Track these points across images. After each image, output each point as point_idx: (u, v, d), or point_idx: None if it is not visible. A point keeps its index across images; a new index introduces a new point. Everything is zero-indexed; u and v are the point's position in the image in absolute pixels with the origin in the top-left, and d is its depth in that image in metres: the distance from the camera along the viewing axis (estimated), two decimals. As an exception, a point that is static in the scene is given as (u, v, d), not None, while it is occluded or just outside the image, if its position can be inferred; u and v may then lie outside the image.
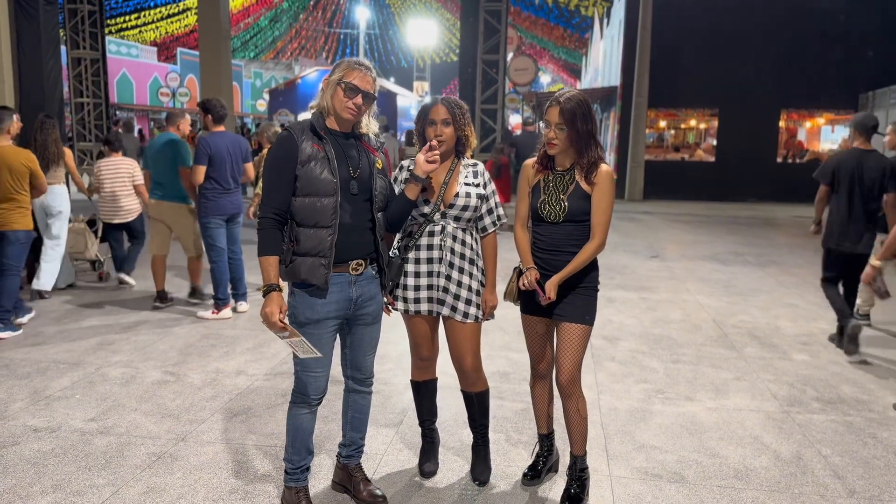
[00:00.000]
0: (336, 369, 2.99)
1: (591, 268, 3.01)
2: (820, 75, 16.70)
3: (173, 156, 6.05)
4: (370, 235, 2.81)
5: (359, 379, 3.02)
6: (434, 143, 2.87)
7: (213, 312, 5.96)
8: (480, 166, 3.13)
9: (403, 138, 16.79)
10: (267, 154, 2.78)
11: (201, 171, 5.67)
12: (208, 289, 6.49)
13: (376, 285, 2.91)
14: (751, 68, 16.79)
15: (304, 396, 2.84)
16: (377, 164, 2.83)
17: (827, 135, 17.90)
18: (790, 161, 17.72)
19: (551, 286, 2.91)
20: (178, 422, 3.85)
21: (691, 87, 17.18)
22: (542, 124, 3.00)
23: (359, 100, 2.71)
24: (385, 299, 3.09)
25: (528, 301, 3.09)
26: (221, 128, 5.89)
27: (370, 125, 2.88)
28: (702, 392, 4.46)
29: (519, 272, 3.07)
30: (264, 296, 2.63)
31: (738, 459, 3.53)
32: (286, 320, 2.63)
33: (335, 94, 2.71)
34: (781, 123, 17.46)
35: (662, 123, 18.26)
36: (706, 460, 3.52)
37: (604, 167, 2.92)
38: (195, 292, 6.55)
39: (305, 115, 2.87)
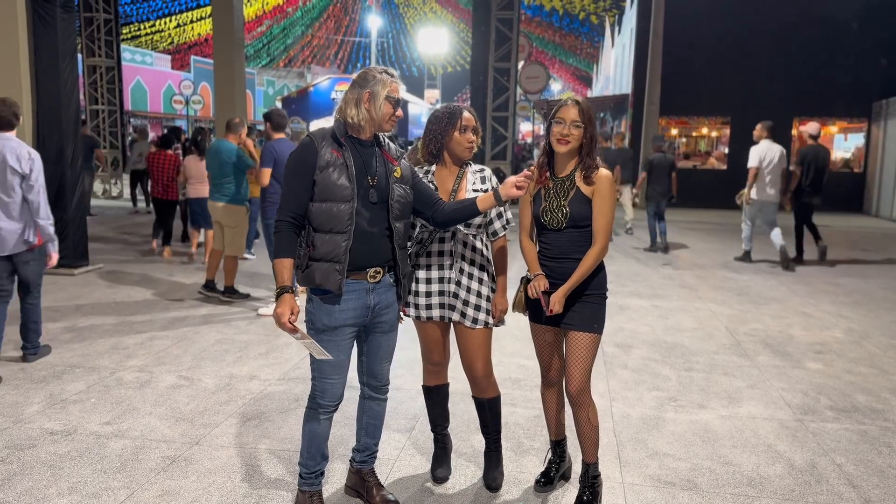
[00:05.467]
0: (352, 375, 3.01)
1: (597, 273, 3.00)
2: (833, 83, 16.65)
3: (237, 161, 6.62)
4: (388, 243, 2.82)
5: (374, 386, 3.03)
6: (530, 172, 2.85)
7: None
8: (487, 171, 3.15)
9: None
10: (288, 159, 2.81)
11: (266, 173, 6.16)
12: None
13: (394, 293, 2.92)
14: (763, 76, 16.76)
15: (321, 402, 2.85)
16: (396, 173, 2.84)
17: (840, 143, 17.80)
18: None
19: (556, 299, 2.91)
20: (192, 426, 3.88)
21: (703, 95, 17.16)
22: (552, 122, 2.99)
23: (400, 111, 2.81)
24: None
25: (536, 310, 3.09)
26: (282, 135, 6.38)
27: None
28: (715, 400, 4.44)
29: (526, 281, 3.07)
30: (277, 298, 2.65)
31: (752, 467, 3.52)
32: (297, 322, 2.65)
33: (385, 109, 2.75)
34: (794, 132, 17.40)
35: (674, 131, 18.24)
36: (719, 468, 3.51)
37: (603, 171, 2.93)
38: (208, 285, 6.92)
39: (319, 123, 2.91)
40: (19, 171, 4.57)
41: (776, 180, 9.09)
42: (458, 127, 3.02)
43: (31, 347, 4.94)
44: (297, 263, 2.77)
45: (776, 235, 9.14)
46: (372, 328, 2.90)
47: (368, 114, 2.74)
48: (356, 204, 2.70)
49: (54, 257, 4.87)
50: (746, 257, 9.58)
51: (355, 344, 2.97)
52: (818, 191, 9.36)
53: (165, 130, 32.78)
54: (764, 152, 9.06)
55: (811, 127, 9.73)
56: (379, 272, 2.81)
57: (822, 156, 9.39)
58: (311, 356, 2.80)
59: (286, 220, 2.71)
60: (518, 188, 2.77)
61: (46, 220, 4.68)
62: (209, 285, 6.92)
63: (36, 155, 4.69)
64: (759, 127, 9.35)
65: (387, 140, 2.92)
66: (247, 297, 6.86)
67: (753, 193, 9.11)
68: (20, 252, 4.68)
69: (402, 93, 2.86)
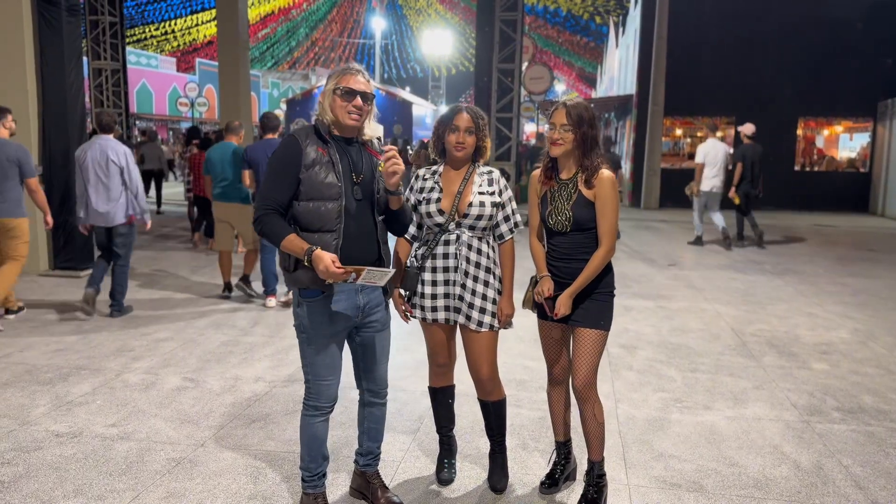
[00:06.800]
0: (350, 379, 3.01)
1: (606, 273, 3.01)
2: (838, 83, 16.58)
3: (234, 161, 6.77)
4: (374, 241, 2.81)
5: (373, 391, 3.02)
6: (391, 153, 2.68)
7: (269, 298, 6.71)
8: (496, 173, 3.13)
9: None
10: (270, 157, 2.78)
11: (245, 174, 6.50)
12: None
13: (381, 292, 2.91)
14: (768, 76, 16.70)
15: (317, 404, 2.84)
16: (380, 167, 2.78)
17: (845, 143, 17.74)
18: (808, 169, 17.59)
19: (562, 302, 2.92)
20: (197, 428, 3.89)
21: (708, 95, 17.10)
22: (546, 127, 3.01)
23: (358, 101, 2.69)
24: (403, 307, 3.11)
25: (543, 307, 3.10)
26: (270, 135, 6.73)
27: (373, 129, 2.86)
28: (720, 401, 4.43)
29: (535, 281, 3.08)
30: (308, 262, 2.56)
31: (758, 469, 3.51)
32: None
33: (334, 103, 2.69)
34: (799, 131, 17.34)
35: (679, 132, 18.19)
36: (725, 469, 3.49)
37: (605, 172, 2.93)
38: (246, 279, 7.05)
39: None
40: (118, 165, 5.96)
41: (721, 174, 10.59)
42: (450, 127, 3.01)
43: (117, 304, 6.23)
44: (284, 266, 2.75)
45: (719, 219, 10.75)
46: (364, 328, 2.89)
47: (326, 115, 2.71)
48: (344, 202, 2.67)
49: (149, 224, 6.27)
50: (698, 241, 10.95)
51: (351, 349, 2.97)
52: (757, 182, 10.76)
53: (171, 132, 32.79)
54: (708, 150, 10.59)
55: (747, 128, 10.84)
56: None
57: (759, 152, 10.74)
58: (303, 357, 2.79)
59: (267, 208, 2.66)
60: (393, 173, 2.66)
61: (143, 198, 6.15)
62: (245, 280, 7.06)
63: (129, 151, 6.15)
64: (704, 128, 11.23)
65: (372, 139, 2.87)
66: (256, 294, 6.97)
67: (703, 186, 10.62)
68: (117, 225, 6.04)
69: (360, 83, 2.70)
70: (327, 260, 2.50)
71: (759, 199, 11.07)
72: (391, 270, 2.62)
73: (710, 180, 10.58)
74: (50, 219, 6.05)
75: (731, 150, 11.34)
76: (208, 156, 6.91)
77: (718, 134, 18.32)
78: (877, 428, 4.05)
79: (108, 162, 5.94)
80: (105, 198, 5.97)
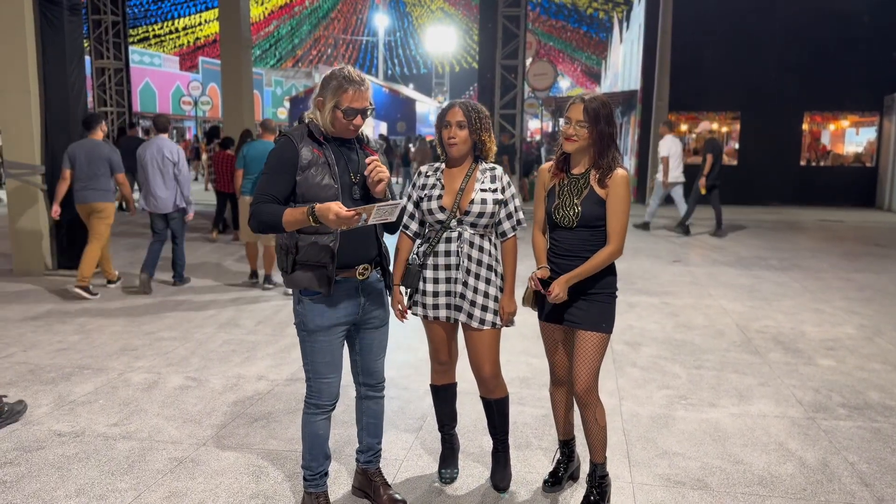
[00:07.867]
0: (347, 378, 3.00)
1: (608, 274, 2.96)
2: (844, 77, 16.49)
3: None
4: (373, 239, 2.80)
5: (371, 384, 3.01)
6: (373, 162, 2.70)
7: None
8: (499, 170, 3.10)
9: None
10: (267, 157, 2.76)
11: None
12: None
13: (382, 288, 2.91)
14: (773, 71, 16.62)
15: (318, 403, 2.83)
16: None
17: (851, 137, 17.64)
18: (814, 164, 17.50)
19: (558, 283, 2.86)
20: (199, 427, 3.88)
21: (713, 90, 17.04)
22: (562, 120, 2.97)
23: (359, 120, 2.69)
24: (400, 306, 3.09)
25: (545, 308, 3.07)
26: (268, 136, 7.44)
27: (364, 128, 2.85)
28: (725, 398, 4.40)
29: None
30: (315, 222, 2.52)
31: (763, 466, 3.48)
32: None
33: (335, 119, 2.67)
34: (805, 126, 17.26)
35: (683, 127, 18.11)
36: (730, 467, 3.47)
37: (620, 171, 2.88)
38: (268, 279, 7.42)
39: None
40: (171, 160, 7.08)
41: (681, 166, 11.75)
42: (443, 123, 3.00)
43: (178, 276, 7.53)
44: (283, 267, 2.74)
45: (683, 205, 11.94)
46: (363, 325, 2.88)
47: (324, 122, 2.69)
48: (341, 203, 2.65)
49: (191, 215, 7.46)
50: (645, 227, 12.11)
51: (349, 345, 2.96)
52: (720, 173, 11.60)
53: (174, 131, 32.76)
54: (671, 145, 11.63)
55: (706, 124, 12.74)
56: (367, 269, 2.78)
57: (721, 146, 12.01)
58: (305, 356, 2.78)
59: (263, 200, 2.63)
60: (378, 181, 2.67)
61: (188, 191, 7.29)
62: (268, 279, 7.40)
63: (180, 149, 7.26)
64: (662, 126, 12.15)
65: (365, 134, 2.86)
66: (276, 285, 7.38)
67: (669, 177, 11.69)
68: (170, 212, 7.20)
69: (362, 99, 2.66)
70: (335, 208, 2.45)
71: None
72: (400, 202, 2.58)
73: (674, 171, 11.68)
74: (133, 207, 7.47)
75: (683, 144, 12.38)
76: (246, 152, 7.23)
77: (724, 129, 18.33)
78: (883, 424, 4.02)
79: (164, 158, 7.02)
80: (162, 187, 7.07)
